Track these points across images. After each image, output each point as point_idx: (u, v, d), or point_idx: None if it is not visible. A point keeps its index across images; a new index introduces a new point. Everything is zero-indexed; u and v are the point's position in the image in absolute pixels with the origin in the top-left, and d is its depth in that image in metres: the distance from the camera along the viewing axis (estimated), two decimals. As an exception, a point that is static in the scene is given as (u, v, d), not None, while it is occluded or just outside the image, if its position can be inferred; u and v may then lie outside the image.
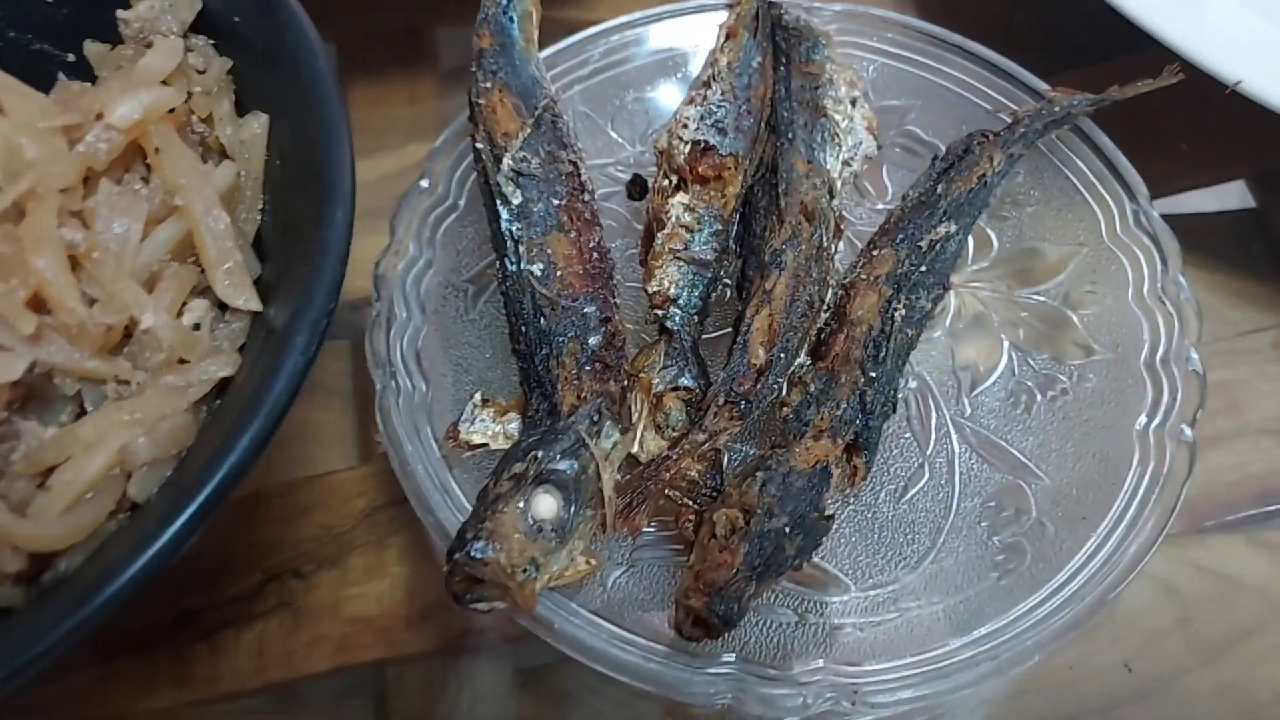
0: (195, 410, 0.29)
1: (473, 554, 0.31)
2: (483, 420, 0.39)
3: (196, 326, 0.30)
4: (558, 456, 0.34)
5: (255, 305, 0.31)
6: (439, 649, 0.42)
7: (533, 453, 0.34)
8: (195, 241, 0.31)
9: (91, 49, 0.38)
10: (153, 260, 0.31)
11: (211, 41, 0.35)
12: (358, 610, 0.43)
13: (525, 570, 0.32)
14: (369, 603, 0.43)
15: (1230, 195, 0.54)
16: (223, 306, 0.31)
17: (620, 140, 0.48)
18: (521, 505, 0.33)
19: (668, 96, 0.49)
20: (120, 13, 0.36)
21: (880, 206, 0.47)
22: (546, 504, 0.33)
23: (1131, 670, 0.41)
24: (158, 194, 0.31)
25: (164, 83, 0.32)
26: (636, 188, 0.46)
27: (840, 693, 0.34)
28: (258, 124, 0.34)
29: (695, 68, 0.49)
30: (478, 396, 0.39)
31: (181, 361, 0.30)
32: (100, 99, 0.31)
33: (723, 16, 0.47)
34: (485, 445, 0.38)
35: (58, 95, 0.33)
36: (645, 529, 0.38)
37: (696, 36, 0.49)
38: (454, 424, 0.38)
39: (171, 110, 0.31)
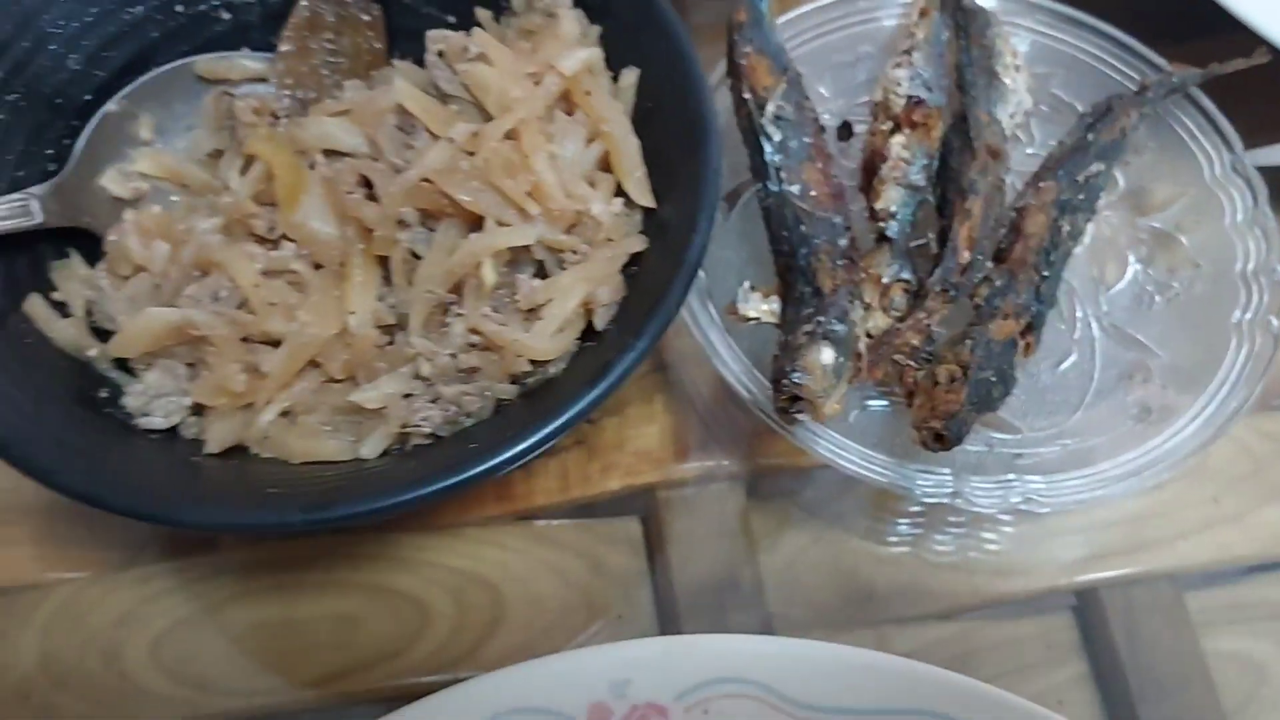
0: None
1: (795, 379, 0.45)
2: (754, 300, 0.52)
3: (616, 215, 0.43)
4: (833, 321, 0.48)
5: (652, 203, 0.44)
6: (697, 477, 0.56)
7: (817, 317, 0.48)
8: (612, 158, 0.44)
9: (482, 14, 0.51)
10: (589, 169, 0.44)
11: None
12: (637, 446, 0.56)
13: (821, 394, 0.46)
14: (645, 440, 0.56)
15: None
16: (628, 204, 0.45)
17: (826, 95, 0.61)
18: (816, 351, 0.46)
19: (860, 63, 0.62)
20: None
21: (1030, 151, 0.60)
22: (829, 353, 0.47)
23: (1218, 502, 0.55)
24: (585, 124, 0.44)
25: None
26: (845, 131, 0.60)
27: (1025, 491, 0.49)
28: (631, 77, 0.47)
29: (875, 42, 0.62)
30: (747, 284, 0.52)
31: (608, 240, 0.43)
32: (548, 54, 0.44)
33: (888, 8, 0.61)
34: (755, 319, 0.52)
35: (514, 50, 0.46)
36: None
37: (880, 18, 0.62)
38: (732, 303, 0.52)
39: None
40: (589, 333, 0.43)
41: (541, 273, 0.43)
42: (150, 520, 0.37)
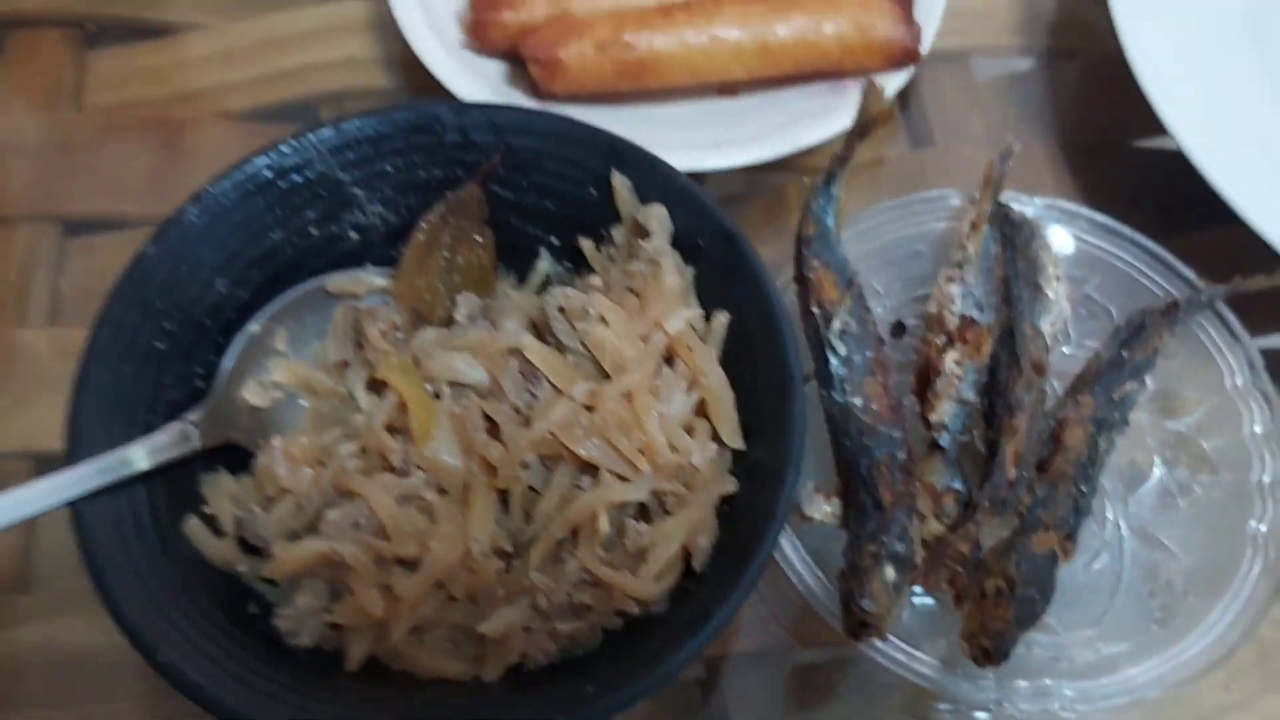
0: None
1: (865, 607, 0.51)
2: (817, 501, 0.58)
3: (711, 461, 0.49)
4: (895, 541, 0.54)
5: (742, 446, 0.50)
6: (753, 651, 0.61)
7: (880, 536, 0.54)
8: (709, 407, 0.50)
9: (585, 244, 0.57)
10: (688, 416, 0.50)
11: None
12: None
13: (886, 615, 0.51)
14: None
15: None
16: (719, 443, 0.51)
17: (880, 291, 0.67)
18: (881, 576, 0.52)
19: (913, 260, 0.68)
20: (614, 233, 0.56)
21: (1067, 351, 0.66)
22: (890, 574, 0.53)
23: (1228, 689, 0.61)
24: (685, 374, 0.50)
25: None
26: (899, 329, 0.65)
27: (1060, 699, 0.54)
28: (723, 320, 0.53)
29: (928, 242, 0.68)
30: (810, 484, 0.58)
31: (704, 483, 0.49)
32: (654, 311, 0.50)
33: (938, 213, 0.67)
34: (819, 520, 0.57)
35: (622, 304, 0.51)
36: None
37: (931, 220, 0.68)
38: (797, 505, 0.58)
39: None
40: (688, 568, 0.49)
41: (645, 514, 0.49)
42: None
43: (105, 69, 0.78)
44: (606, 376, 0.50)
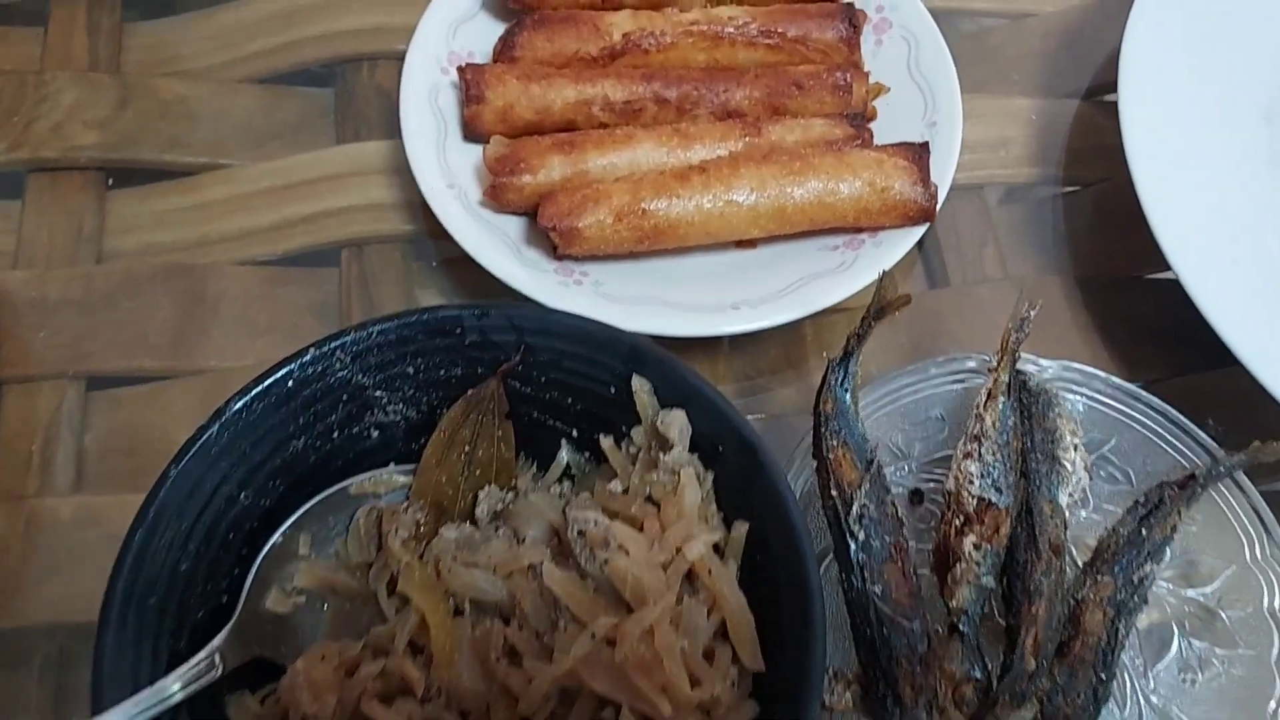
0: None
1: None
2: (836, 691, 0.58)
3: (732, 684, 0.50)
4: (917, 744, 0.54)
5: (762, 668, 0.51)
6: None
7: (902, 744, 0.54)
8: (730, 629, 0.50)
9: (605, 443, 0.57)
10: (709, 639, 0.50)
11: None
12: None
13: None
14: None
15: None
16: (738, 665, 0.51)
17: (898, 453, 0.67)
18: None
19: (930, 423, 0.68)
20: (634, 434, 0.56)
21: (1083, 515, 0.66)
22: (912, 778, 0.53)
23: None
24: (705, 595, 0.50)
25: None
26: (916, 498, 0.66)
27: None
28: (742, 530, 0.53)
29: (944, 405, 0.68)
30: (831, 672, 0.58)
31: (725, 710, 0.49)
32: (675, 534, 0.51)
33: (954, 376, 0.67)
34: (839, 710, 0.58)
35: (645, 526, 0.52)
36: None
37: (946, 385, 0.68)
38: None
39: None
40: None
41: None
42: None
43: (126, 212, 0.79)
44: (628, 607, 0.50)
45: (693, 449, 0.55)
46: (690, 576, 0.51)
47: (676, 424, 0.54)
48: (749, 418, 0.55)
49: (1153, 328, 0.78)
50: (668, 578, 0.50)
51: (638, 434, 0.56)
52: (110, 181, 0.80)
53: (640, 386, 0.55)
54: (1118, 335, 0.78)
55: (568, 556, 0.52)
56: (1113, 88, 0.78)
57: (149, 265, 0.77)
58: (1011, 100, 0.87)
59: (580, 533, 0.51)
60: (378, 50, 0.85)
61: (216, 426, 0.53)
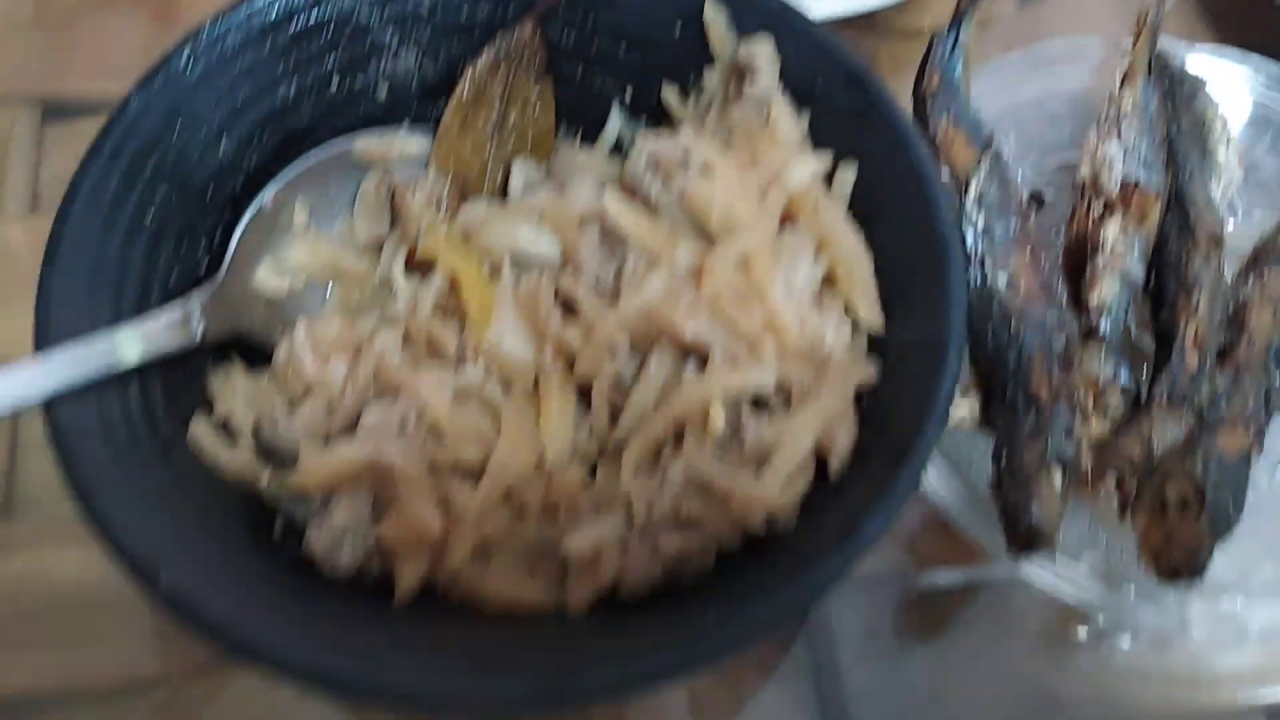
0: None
1: (1034, 519, 0.41)
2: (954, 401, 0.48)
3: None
4: (1061, 439, 0.44)
5: (881, 325, 0.40)
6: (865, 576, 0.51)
7: (1041, 438, 0.44)
8: (840, 277, 0.39)
9: (668, 91, 0.46)
10: (816, 288, 0.39)
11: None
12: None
13: (1056, 525, 0.42)
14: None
15: None
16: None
17: (1008, 157, 0.56)
18: (1048, 479, 0.42)
19: (1048, 123, 0.57)
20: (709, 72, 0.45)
21: (1232, 225, 0.55)
22: (1058, 479, 0.43)
23: None
24: (809, 237, 0.40)
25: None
26: (1036, 201, 0.55)
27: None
28: (848, 175, 0.42)
29: (1064, 102, 0.57)
30: (945, 383, 0.48)
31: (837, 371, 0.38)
32: (770, 162, 0.40)
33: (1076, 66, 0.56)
34: (953, 423, 0.47)
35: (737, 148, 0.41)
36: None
37: (1066, 78, 0.57)
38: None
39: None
40: (821, 475, 0.39)
41: (763, 408, 0.39)
42: (359, 694, 0.33)
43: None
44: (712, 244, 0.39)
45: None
46: (789, 218, 0.40)
47: (763, 51, 0.43)
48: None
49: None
50: (765, 207, 0.39)
51: (710, 79, 0.45)
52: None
53: (714, 12, 0.44)
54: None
55: (633, 194, 0.41)
56: None
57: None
58: None
59: (652, 162, 0.40)
60: None
61: (188, 52, 0.42)
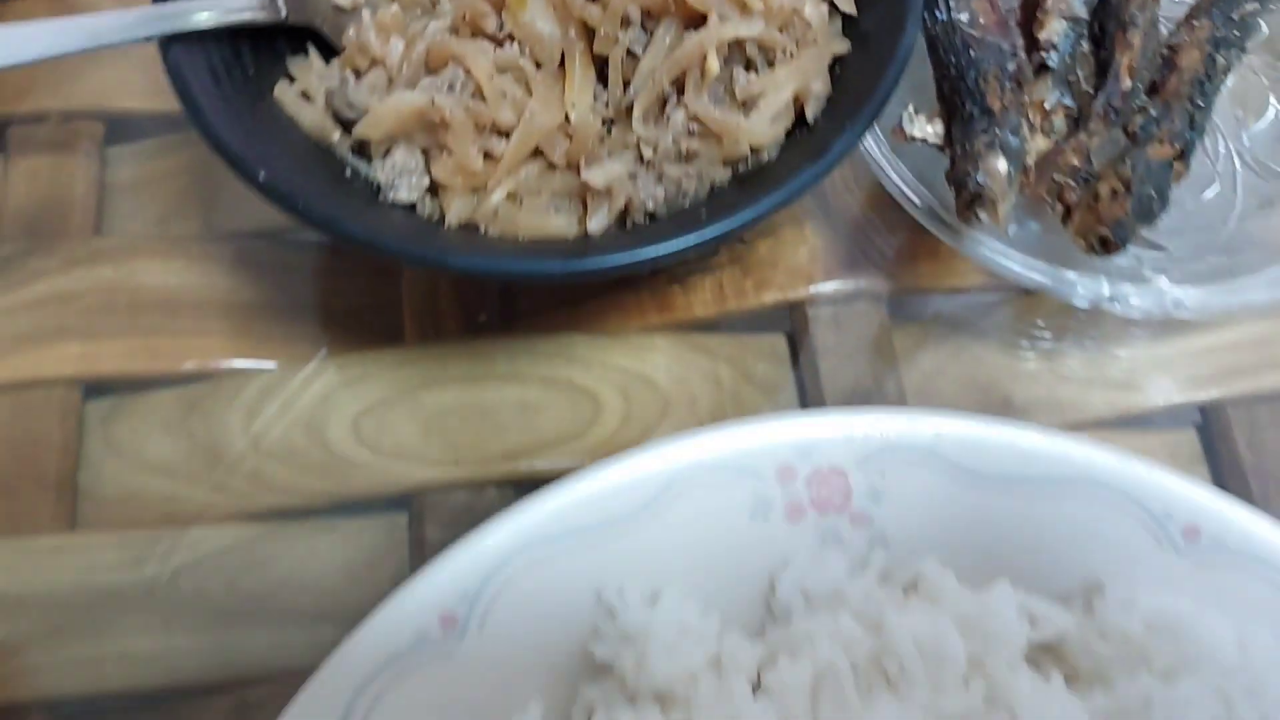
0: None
1: (979, 181, 0.49)
2: (918, 122, 0.55)
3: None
4: (1009, 134, 0.51)
5: (854, 10, 0.48)
6: (843, 295, 0.60)
7: (993, 129, 0.51)
8: (820, -36, 0.48)
9: None
10: (796, -31, 0.47)
11: None
12: (789, 265, 0.60)
13: (1000, 196, 0.50)
14: (797, 259, 0.60)
15: None
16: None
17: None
18: (995, 158, 0.50)
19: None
20: None
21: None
22: (1003, 162, 0.51)
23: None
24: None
25: None
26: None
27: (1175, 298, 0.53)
28: None
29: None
30: (910, 106, 0.56)
31: (814, 41, 0.46)
32: None
33: None
34: (920, 139, 0.55)
35: None
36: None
37: None
38: (897, 124, 0.55)
39: None
40: (797, 126, 0.47)
41: (753, 70, 0.47)
42: (425, 264, 0.41)
43: None
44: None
45: None
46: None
47: None
48: None
49: None
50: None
51: None
52: None
53: None
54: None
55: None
56: None
57: None
58: None
59: None
60: None
61: None
